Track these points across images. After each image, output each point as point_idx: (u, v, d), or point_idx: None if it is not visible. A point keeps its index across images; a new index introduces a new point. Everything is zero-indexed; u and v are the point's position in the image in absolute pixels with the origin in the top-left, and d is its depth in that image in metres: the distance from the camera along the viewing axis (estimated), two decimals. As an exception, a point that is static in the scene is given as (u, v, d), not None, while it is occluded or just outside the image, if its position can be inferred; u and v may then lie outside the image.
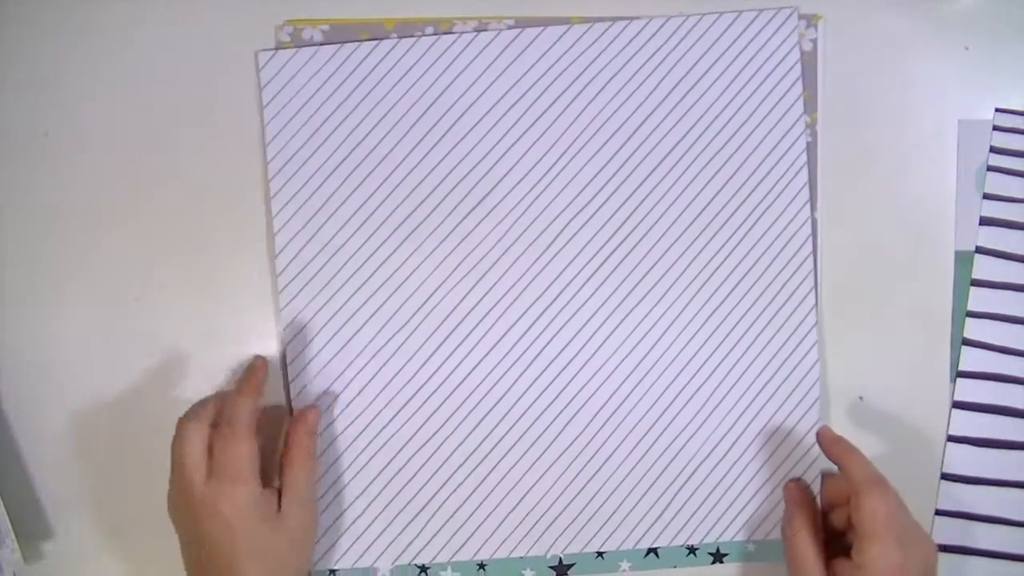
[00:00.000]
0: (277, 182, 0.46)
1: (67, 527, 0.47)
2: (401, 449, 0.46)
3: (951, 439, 0.48)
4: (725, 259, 0.47)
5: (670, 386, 0.47)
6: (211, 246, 0.47)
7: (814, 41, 0.47)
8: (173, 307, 0.47)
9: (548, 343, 0.47)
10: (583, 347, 0.47)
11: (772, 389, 0.47)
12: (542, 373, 0.47)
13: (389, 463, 0.46)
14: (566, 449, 0.47)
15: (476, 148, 0.46)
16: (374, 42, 0.46)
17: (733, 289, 0.47)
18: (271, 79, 0.46)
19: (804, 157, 0.47)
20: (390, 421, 0.46)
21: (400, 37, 0.47)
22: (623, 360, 0.47)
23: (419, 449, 0.46)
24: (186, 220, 0.47)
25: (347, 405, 0.46)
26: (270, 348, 0.47)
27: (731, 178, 0.47)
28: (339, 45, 0.46)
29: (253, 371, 0.44)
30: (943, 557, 0.47)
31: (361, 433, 0.46)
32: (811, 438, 0.47)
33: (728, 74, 0.47)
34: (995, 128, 0.48)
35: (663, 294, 0.47)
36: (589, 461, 0.47)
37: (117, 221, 0.47)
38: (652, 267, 0.47)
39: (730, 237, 0.47)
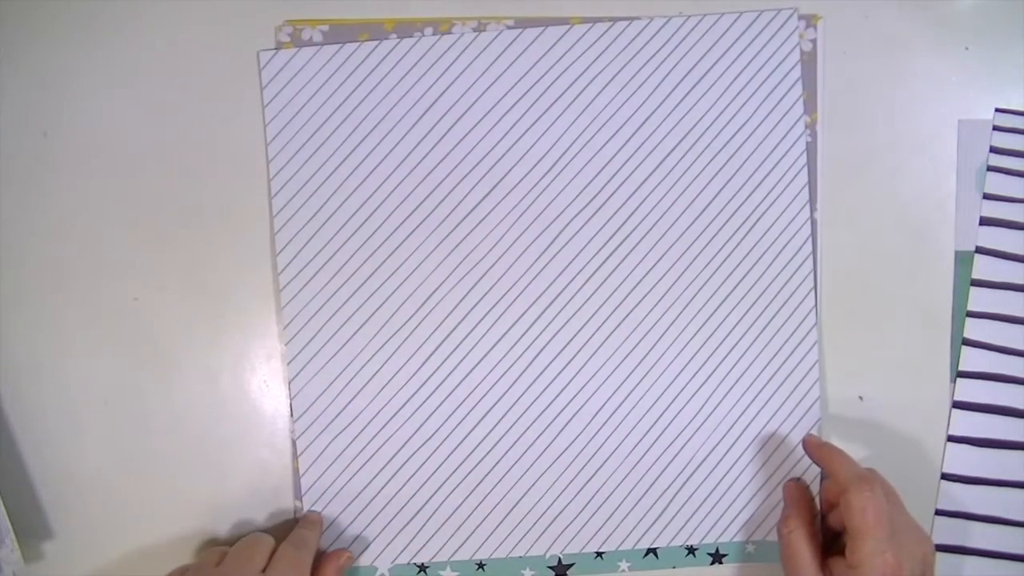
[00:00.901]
0: (278, 181, 0.46)
1: (67, 527, 0.47)
2: (401, 448, 0.46)
3: (951, 439, 0.48)
4: (725, 259, 0.47)
5: (670, 386, 0.47)
6: (211, 246, 0.47)
7: (814, 41, 0.47)
8: (173, 307, 0.47)
9: (548, 343, 0.47)
10: (583, 347, 0.47)
11: (772, 389, 0.47)
12: (542, 372, 0.47)
13: (389, 462, 0.46)
14: (566, 448, 0.47)
15: (476, 148, 0.46)
16: (375, 42, 0.46)
17: (733, 289, 0.47)
18: (272, 79, 0.46)
19: (804, 158, 0.47)
20: (390, 420, 0.46)
21: (400, 37, 0.47)
22: (623, 360, 0.47)
23: (419, 448, 0.46)
24: (186, 220, 0.47)
25: (347, 404, 0.46)
26: (271, 348, 0.47)
27: (731, 179, 0.47)
28: (340, 45, 0.46)
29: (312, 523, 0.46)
30: (943, 557, 0.47)
31: (361, 432, 0.46)
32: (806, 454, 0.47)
33: (728, 75, 0.47)
34: (995, 128, 0.48)
35: (663, 294, 0.47)
36: (589, 461, 0.47)
37: (117, 221, 0.47)
38: (651, 268, 0.47)
39: (730, 237, 0.47)
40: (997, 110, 0.48)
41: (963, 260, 0.48)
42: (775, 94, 0.47)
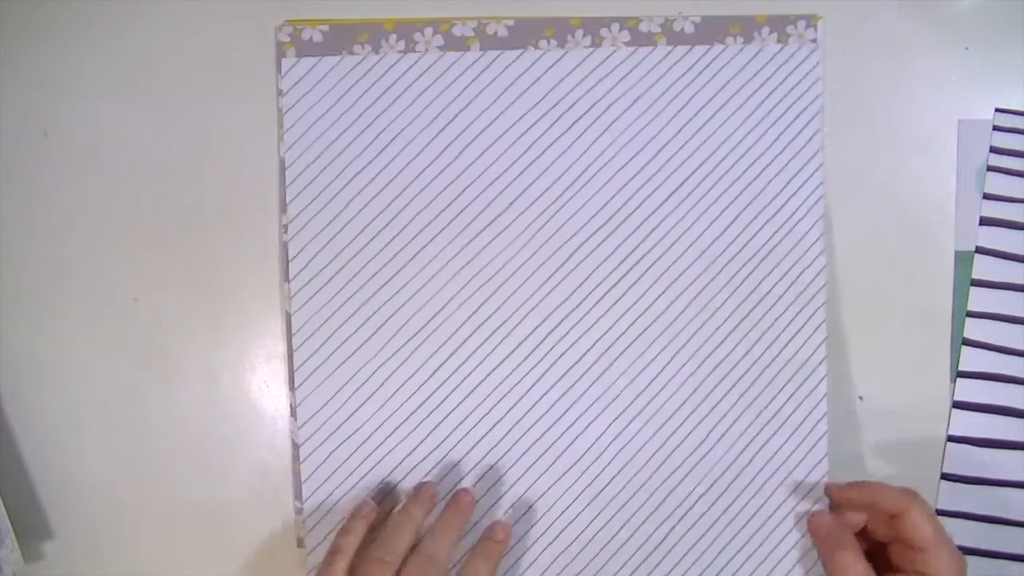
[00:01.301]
0: (293, 189, 0.46)
1: (67, 527, 0.47)
2: (404, 459, 0.46)
3: (951, 439, 0.48)
4: (736, 288, 0.46)
5: (677, 411, 0.46)
6: (211, 246, 0.47)
7: (814, 41, 0.47)
8: (173, 307, 0.47)
9: (555, 362, 0.46)
10: (591, 366, 0.46)
11: (777, 425, 0.46)
12: (548, 391, 0.46)
13: (391, 472, 0.46)
14: (571, 467, 0.46)
15: (494, 165, 0.46)
16: (398, 54, 0.46)
17: (743, 319, 0.46)
18: (292, 86, 0.46)
19: (820, 190, 0.47)
20: (394, 431, 0.46)
21: (400, 38, 0.46)
22: (631, 381, 0.46)
23: (422, 460, 0.46)
24: (186, 220, 0.47)
25: (352, 413, 0.46)
26: (271, 348, 0.47)
27: (745, 208, 0.46)
28: (362, 56, 0.46)
29: (459, 510, 0.44)
30: (943, 557, 0.47)
31: (364, 442, 0.46)
32: (819, 489, 0.46)
33: (748, 106, 0.46)
34: (995, 128, 0.48)
35: (674, 319, 0.46)
36: (593, 481, 0.46)
37: (117, 221, 0.47)
38: (663, 292, 0.46)
39: (743, 266, 0.46)
40: (997, 110, 0.48)
41: (963, 260, 0.48)
42: (793, 127, 0.46)
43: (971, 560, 0.48)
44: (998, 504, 0.48)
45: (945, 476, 0.48)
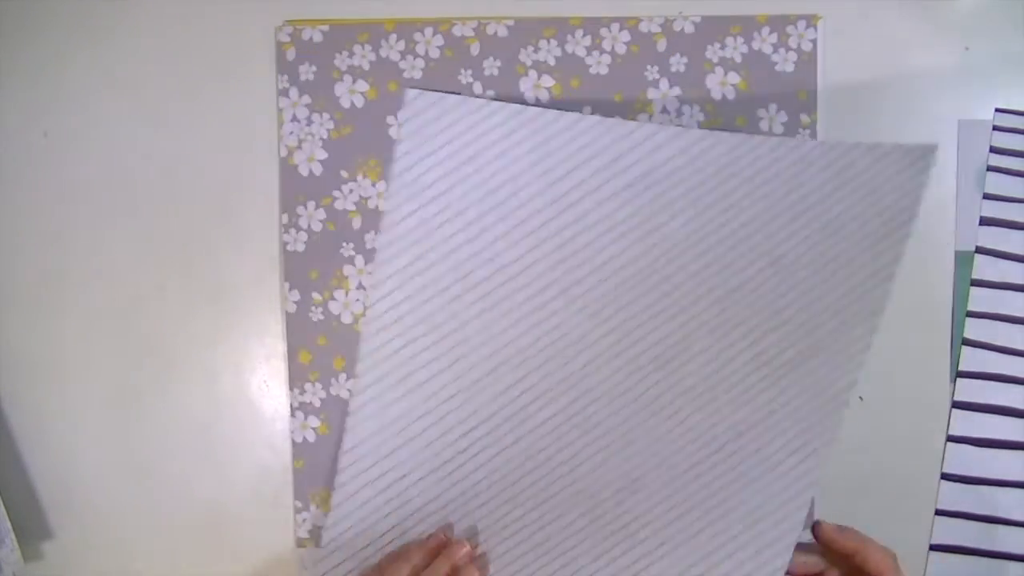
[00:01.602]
0: (389, 220, 0.46)
1: (67, 527, 0.47)
2: (431, 501, 0.46)
3: (951, 439, 0.48)
4: (767, 373, 0.46)
5: (694, 478, 0.46)
6: (211, 246, 0.47)
7: (814, 41, 0.47)
8: (173, 307, 0.47)
9: (591, 428, 0.46)
10: (611, 431, 0.46)
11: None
12: (580, 454, 0.46)
13: (417, 510, 0.46)
14: (594, 530, 0.46)
15: (582, 235, 0.46)
16: (520, 105, 0.46)
17: (767, 388, 0.46)
18: (410, 118, 0.46)
19: (880, 306, 0.45)
20: (429, 473, 0.46)
21: (400, 38, 0.47)
22: (670, 452, 0.46)
23: (446, 505, 0.46)
24: (186, 221, 0.47)
25: (393, 450, 0.46)
26: (271, 348, 0.47)
27: (800, 310, 0.46)
28: (486, 101, 0.46)
29: (448, 557, 0.44)
30: (943, 557, 0.47)
31: (401, 478, 0.46)
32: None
33: (835, 209, 0.46)
34: (995, 128, 0.48)
35: (703, 404, 0.46)
36: (619, 544, 0.46)
37: (117, 221, 0.47)
38: (705, 378, 0.46)
39: (780, 352, 0.46)
40: (997, 110, 0.48)
41: (963, 260, 0.48)
42: (878, 232, 0.45)
43: (971, 560, 0.48)
44: (998, 504, 0.48)
45: (945, 476, 0.48)
